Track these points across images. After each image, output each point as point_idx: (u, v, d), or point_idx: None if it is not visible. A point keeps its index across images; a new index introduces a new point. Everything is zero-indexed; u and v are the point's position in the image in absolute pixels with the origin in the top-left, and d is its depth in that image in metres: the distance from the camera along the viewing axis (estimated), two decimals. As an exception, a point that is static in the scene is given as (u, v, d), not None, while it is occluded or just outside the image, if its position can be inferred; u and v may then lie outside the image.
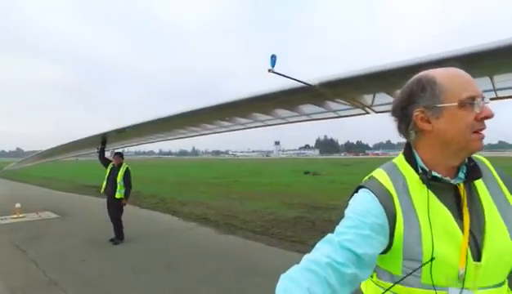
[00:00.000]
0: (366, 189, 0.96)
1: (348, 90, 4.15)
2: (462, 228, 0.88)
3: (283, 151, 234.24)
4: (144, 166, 43.89)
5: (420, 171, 0.94)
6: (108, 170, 6.96)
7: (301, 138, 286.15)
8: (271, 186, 17.07)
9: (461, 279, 0.85)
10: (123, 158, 7.03)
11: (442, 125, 0.90)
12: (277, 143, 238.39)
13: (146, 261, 5.39)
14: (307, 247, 5.35)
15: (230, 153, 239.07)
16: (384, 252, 0.93)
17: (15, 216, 9.27)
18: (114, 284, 4.44)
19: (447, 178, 0.92)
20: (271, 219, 8.43)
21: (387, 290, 0.95)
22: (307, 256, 0.88)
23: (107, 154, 8.17)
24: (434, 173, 0.92)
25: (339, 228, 0.92)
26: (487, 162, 1.01)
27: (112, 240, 6.55)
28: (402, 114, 0.98)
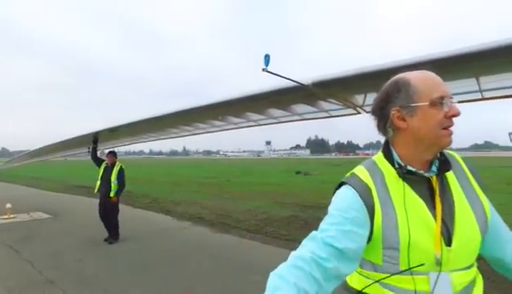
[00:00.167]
0: (347, 185, 1.04)
1: (340, 90, 4.22)
2: (435, 216, 0.97)
3: (274, 151, 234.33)
4: (134, 166, 43.44)
5: (397, 165, 1.03)
6: (101, 169, 6.95)
7: (292, 138, 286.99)
8: (263, 186, 17.16)
9: (439, 263, 0.94)
10: (116, 157, 7.02)
11: (415, 123, 0.99)
12: (268, 143, 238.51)
13: (142, 260, 5.41)
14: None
15: (221, 153, 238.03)
16: (366, 243, 1.00)
17: (5, 216, 9.17)
18: (112, 283, 4.46)
19: (421, 171, 1.01)
20: (265, 218, 8.52)
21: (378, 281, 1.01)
22: (293, 253, 0.97)
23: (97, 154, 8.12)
24: (409, 167, 1.00)
25: (322, 225, 1.01)
26: (458, 157, 1.12)
27: (106, 239, 6.55)
28: (381, 114, 1.07)
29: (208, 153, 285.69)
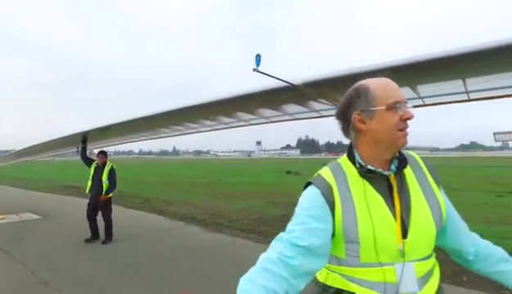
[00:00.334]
0: (312, 185, 1.12)
1: (331, 90, 4.27)
2: (394, 211, 1.05)
3: (265, 151, 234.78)
4: (124, 165, 42.90)
5: (358, 165, 1.12)
6: (92, 169, 6.89)
7: (282, 138, 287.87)
8: (255, 186, 17.23)
9: (402, 254, 1.03)
10: (107, 157, 6.98)
11: (374, 125, 1.08)
12: (259, 143, 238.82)
13: (137, 260, 5.41)
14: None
15: (211, 153, 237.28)
16: (331, 238, 1.08)
17: (-7, 217, 9.02)
18: (108, 282, 4.45)
19: (380, 170, 1.09)
20: (258, 217, 8.58)
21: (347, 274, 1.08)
22: (262, 255, 1.06)
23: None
24: (369, 166, 1.09)
25: (289, 226, 1.09)
26: (417, 157, 1.21)
27: (104, 242, 6.50)
28: (344, 118, 1.16)
29: (198, 153, 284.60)
